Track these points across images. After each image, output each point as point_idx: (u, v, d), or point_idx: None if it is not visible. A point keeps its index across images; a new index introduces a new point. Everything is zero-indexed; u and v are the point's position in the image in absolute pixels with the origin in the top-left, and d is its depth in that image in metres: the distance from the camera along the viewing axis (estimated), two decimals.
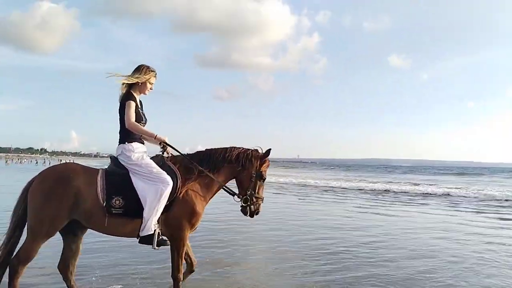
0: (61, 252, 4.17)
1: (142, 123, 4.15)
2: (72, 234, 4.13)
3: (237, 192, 4.33)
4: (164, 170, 4.01)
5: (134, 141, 4.10)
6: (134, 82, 4.10)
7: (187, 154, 4.31)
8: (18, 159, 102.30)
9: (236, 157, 4.27)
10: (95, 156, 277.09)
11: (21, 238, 3.90)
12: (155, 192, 3.88)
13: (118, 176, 3.99)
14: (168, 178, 3.96)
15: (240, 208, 4.28)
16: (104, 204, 3.85)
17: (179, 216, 4.05)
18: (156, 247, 3.96)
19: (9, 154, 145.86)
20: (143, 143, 4.20)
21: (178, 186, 4.01)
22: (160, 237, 3.98)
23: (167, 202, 3.95)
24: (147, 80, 4.13)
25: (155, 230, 3.94)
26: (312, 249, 7.23)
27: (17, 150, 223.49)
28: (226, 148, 4.33)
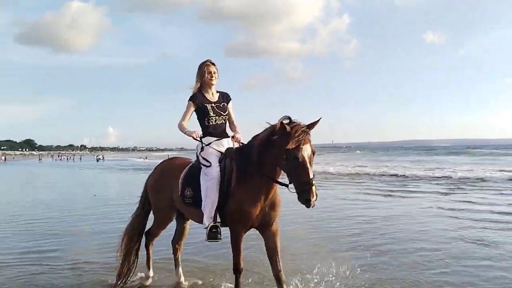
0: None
1: (211, 117, 4.27)
2: (181, 218, 4.80)
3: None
4: (222, 164, 4.11)
5: (206, 136, 4.29)
6: (197, 87, 4.33)
7: (238, 147, 4.28)
8: (59, 155, 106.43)
9: (264, 141, 3.78)
10: (133, 150, 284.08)
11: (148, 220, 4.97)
12: (204, 186, 4.05)
13: (195, 169, 4.27)
14: (213, 172, 4.06)
15: (297, 197, 3.54)
16: (180, 193, 4.29)
17: (229, 212, 3.99)
18: (207, 240, 4.05)
19: (43, 153, 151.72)
20: (220, 137, 4.32)
21: (228, 182, 4.03)
22: (214, 230, 3.99)
23: (220, 197, 4.00)
24: (203, 77, 4.29)
25: (209, 224, 3.99)
26: None
27: (58, 148, 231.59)
28: (257, 135, 3.92)
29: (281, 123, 3.55)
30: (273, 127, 3.69)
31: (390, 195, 13.46)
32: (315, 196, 3.39)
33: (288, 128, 3.52)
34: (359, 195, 13.62)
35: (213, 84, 4.35)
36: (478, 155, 47.36)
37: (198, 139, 4.22)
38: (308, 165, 3.45)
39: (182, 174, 4.34)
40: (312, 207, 3.43)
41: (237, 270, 4.07)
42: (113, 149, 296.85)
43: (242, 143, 4.29)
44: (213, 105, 4.30)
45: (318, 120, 3.62)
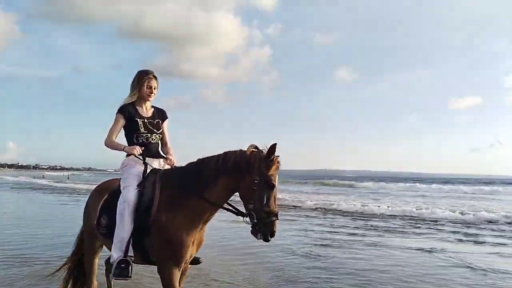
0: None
1: (141, 134, 3.77)
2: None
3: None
4: (147, 185, 3.53)
5: (131, 156, 3.75)
6: (133, 100, 3.83)
7: (176, 167, 3.79)
8: None
9: (234, 163, 3.29)
10: (34, 167, 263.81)
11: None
12: (117, 212, 3.44)
13: (116, 193, 3.63)
14: (128, 195, 3.45)
15: (251, 230, 3.21)
16: (96, 221, 3.74)
17: (156, 246, 3.35)
18: (114, 278, 3.51)
19: None
20: (154, 157, 3.83)
21: (147, 209, 3.40)
22: (123, 266, 3.39)
23: (138, 226, 3.41)
24: (141, 90, 3.81)
25: (118, 258, 3.39)
26: None
27: None
28: (219, 155, 3.40)
29: (274, 145, 3.19)
30: (245, 152, 3.30)
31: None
32: (275, 232, 3.12)
33: (270, 153, 3.20)
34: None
35: (149, 100, 3.88)
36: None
37: (140, 157, 3.66)
38: (277, 196, 3.22)
39: (103, 199, 3.78)
40: (268, 241, 3.16)
41: None
42: (11, 165, 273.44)
43: (175, 167, 3.79)
44: (145, 120, 3.82)
45: (274, 144, 3.25)
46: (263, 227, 3.12)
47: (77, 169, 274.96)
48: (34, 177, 68.07)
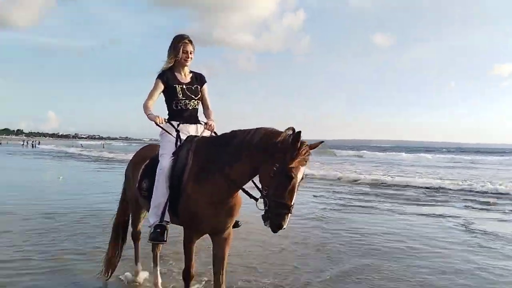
0: None
1: (180, 100, 3.80)
2: None
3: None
4: (181, 153, 3.54)
5: (172, 120, 3.80)
6: (169, 65, 3.83)
7: (210, 136, 3.72)
8: None
9: (261, 142, 3.11)
10: (74, 137, 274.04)
11: None
12: (156, 177, 3.55)
13: (156, 159, 3.72)
14: (164, 162, 3.53)
15: (262, 214, 3.04)
16: (137, 185, 3.89)
17: (181, 214, 3.44)
18: (149, 241, 3.64)
19: None
20: (189, 123, 3.83)
21: (179, 177, 3.43)
22: (158, 231, 3.47)
23: (173, 193, 3.46)
24: (177, 55, 3.79)
25: (154, 223, 3.50)
26: None
27: None
28: (251, 130, 3.24)
29: (298, 133, 2.95)
30: (278, 134, 3.06)
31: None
32: (285, 226, 2.93)
33: (299, 142, 2.95)
34: None
35: (187, 65, 3.88)
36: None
37: (162, 125, 3.68)
38: (296, 189, 2.97)
39: (144, 164, 3.91)
40: (276, 233, 2.99)
41: (185, 276, 3.57)
42: (52, 135, 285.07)
43: (215, 132, 3.78)
44: (183, 86, 3.83)
45: (320, 143, 3.13)
46: (272, 217, 2.95)
47: (114, 139, 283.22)
48: (72, 146, 71.01)
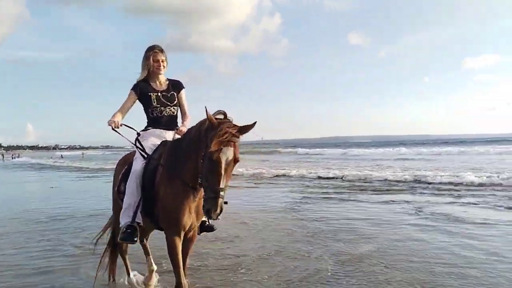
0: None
1: (155, 107, 3.92)
2: None
3: None
4: (152, 157, 3.68)
5: (150, 127, 3.98)
6: (144, 76, 3.97)
7: (176, 139, 3.79)
8: None
9: (194, 135, 3.30)
10: (54, 148, 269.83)
11: None
12: (128, 180, 3.68)
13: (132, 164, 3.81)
14: (136, 165, 3.68)
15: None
16: (116, 189, 3.97)
17: (159, 213, 3.52)
18: (119, 241, 3.71)
19: None
20: (167, 129, 3.97)
21: (150, 181, 3.58)
22: (128, 231, 3.56)
23: (147, 194, 3.58)
24: (149, 65, 3.92)
25: (125, 223, 3.59)
26: None
27: None
28: (194, 126, 3.42)
29: (209, 115, 3.04)
30: (204, 120, 3.16)
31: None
32: (218, 210, 2.89)
33: (215, 123, 3.00)
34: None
35: (160, 73, 3.96)
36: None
37: (118, 130, 3.78)
38: (222, 171, 2.92)
39: (124, 168, 3.93)
40: (213, 219, 2.99)
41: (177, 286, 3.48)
42: (32, 147, 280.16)
43: (176, 139, 3.78)
44: (158, 94, 3.92)
45: (253, 124, 3.06)
46: (205, 202, 2.95)
47: (96, 148, 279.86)
48: (51, 157, 70.82)
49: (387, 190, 12.79)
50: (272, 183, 16.12)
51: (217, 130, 2.96)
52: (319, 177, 17.77)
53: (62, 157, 76.16)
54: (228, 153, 2.96)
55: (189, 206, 3.38)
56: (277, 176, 19.10)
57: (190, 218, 3.45)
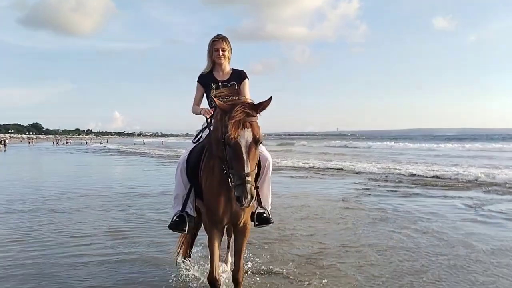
0: None
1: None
2: None
3: None
4: (195, 149, 3.67)
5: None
6: (209, 69, 3.99)
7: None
8: (66, 139, 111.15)
9: (215, 123, 3.19)
10: (138, 135, 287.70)
11: None
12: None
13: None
14: (182, 157, 3.71)
15: None
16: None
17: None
18: (168, 227, 3.71)
19: (57, 136, 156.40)
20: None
21: (193, 170, 3.55)
22: (177, 220, 3.61)
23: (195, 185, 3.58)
24: (211, 55, 3.92)
25: (175, 213, 3.64)
26: None
27: (65, 132, 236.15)
28: None
29: (217, 101, 2.95)
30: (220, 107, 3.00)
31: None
32: (248, 196, 2.72)
33: (226, 107, 2.91)
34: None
35: (221, 62, 3.89)
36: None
37: (208, 116, 3.74)
38: (245, 155, 2.77)
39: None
40: (245, 207, 2.82)
41: (210, 281, 3.43)
42: (119, 133, 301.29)
43: None
44: (219, 84, 3.88)
45: (268, 100, 2.94)
46: (235, 189, 2.80)
47: (176, 135, 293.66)
48: (134, 143, 76.06)
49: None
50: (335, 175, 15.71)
51: (230, 113, 2.84)
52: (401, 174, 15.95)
53: (144, 143, 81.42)
54: (246, 135, 2.81)
55: (227, 196, 3.21)
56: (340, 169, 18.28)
57: (228, 208, 3.28)
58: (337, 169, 18.46)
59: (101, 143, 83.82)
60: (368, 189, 11.58)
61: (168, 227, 3.67)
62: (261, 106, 2.92)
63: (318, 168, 19.14)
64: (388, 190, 11.24)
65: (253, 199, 2.78)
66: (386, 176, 14.95)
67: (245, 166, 2.76)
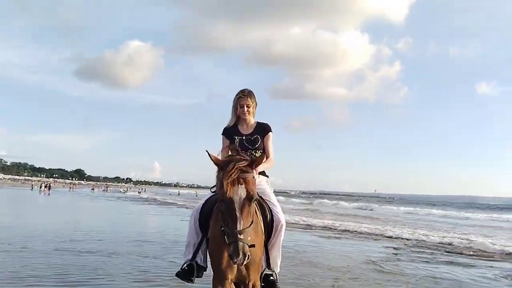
0: None
1: (242, 152, 3.45)
2: None
3: None
4: (210, 199, 3.67)
5: None
6: (233, 123, 4.01)
7: None
8: (106, 186, 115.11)
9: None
10: (175, 185, 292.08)
11: None
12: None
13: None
14: (196, 206, 3.77)
15: None
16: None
17: None
18: (175, 275, 3.71)
19: (98, 183, 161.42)
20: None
21: (203, 223, 3.60)
22: (186, 269, 3.60)
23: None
24: (236, 110, 3.95)
25: (184, 262, 3.64)
26: None
27: (105, 179, 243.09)
28: None
29: (212, 156, 2.99)
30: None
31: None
32: (240, 255, 2.64)
33: (220, 163, 2.95)
34: None
35: (245, 118, 3.94)
36: None
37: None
38: (238, 212, 2.73)
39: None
40: (237, 265, 2.85)
41: None
42: (156, 183, 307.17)
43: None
44: (242, 137, 3.91)
45: (262, 156, 3.19)
46: (230, 246, 2.73)
47: (213, 187, 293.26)
48: (170, 194, 78.19)
49: None
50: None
51: (225, 169, 2.85)
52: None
53: (179, 194, 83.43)
54: (240, 191, 2.79)
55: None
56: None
57: (231, 266, 3.14)
58: (368, 233, 17.46)
59: (138, 192, 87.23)
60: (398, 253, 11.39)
61: (176, 275, 3.61)
62: (256, 162, 2.98)
63: (349, 231, 18.09)
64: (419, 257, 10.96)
65: (246, 258, 2.68)
66: (418, 242, 14.68)
67: (238, 223, 2.72)
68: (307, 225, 19.99)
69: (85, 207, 29.56)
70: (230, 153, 3.19)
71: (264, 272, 3.52)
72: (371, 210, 47.64)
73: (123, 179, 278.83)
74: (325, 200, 68.93)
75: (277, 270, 3.64)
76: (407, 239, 15.39)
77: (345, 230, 18.11)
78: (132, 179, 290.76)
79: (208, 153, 2.97)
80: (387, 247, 12.85)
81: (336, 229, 18.59)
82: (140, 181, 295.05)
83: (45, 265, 7.27)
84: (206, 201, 3.68)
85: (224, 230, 2.85)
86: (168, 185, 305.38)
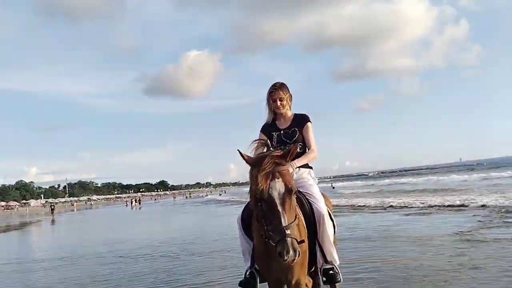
0: None
1: (275, 147, 3.55)
2: None
3: None
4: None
5: None
6: (271, 119, 3.88)
7: None
8: (189, 193, 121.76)
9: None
10: None
11: None
12: None
13: None
14: (241, 211, 3.60)
15: None
16: None
17: None
18: (238, 286, 3.54)
19: (180, 191, 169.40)
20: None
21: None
22: (248, 277, 3.44)
23: None
24: (269, 106, 3.83)
25: (246, 269, 3.50)
26: None
27: (187, 186, 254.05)
28: None
29: (243, 154, 2.84)
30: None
31: None
32: (290, 251, 2.47)
33: (251, 160, 2.82)
34: None
35: (281, 112, 3.82)
36: None
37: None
38: (280, 207, 2.60)
39: None
40: (288, 262, 2.56)
41: None
42: (234, 184, 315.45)
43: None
44: (280, 132, 3.78)
45: (295, 147, 2.99)
46: (276, 246, 2.57)
47: None
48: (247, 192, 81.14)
49: None
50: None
51: (259, 166, 2.73)
52: None
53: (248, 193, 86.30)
54: (277, 186, 2.68)
55: (271, 254, 2.78)
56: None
57: (275, 265, 2.95)
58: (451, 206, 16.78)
59: (220, 194, 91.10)
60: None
61: (239, 284, 3.48)
62: (290, 154, 2.86)
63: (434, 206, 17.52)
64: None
65: (297, 255, 2.53)
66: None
67: (282, 219, 2.58)
68: (389, 206, 19.80)
69: (174, 215, 31.96)
70: (258, 149, 3.14)
71: (323, 267, 3.41)
72: (452, 181, 42.97)
73: (203, 184, 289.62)
74: (402, 179, 65.26)
75: (337, 263, 3.47)
76: (494, 206, 14.88)
77: (429, 206, 17.67)
78: (211, 183, 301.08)
79: (240, 152, 2.86)
80: (474, 215, 12.69)
81: (417, 206, 18.25)
82: (219, 183, 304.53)
83: (165, 270, 8.35)
84: (244, 207, 3.57)
85: (266, 234, 2.70)
86: (245, 184, 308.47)
